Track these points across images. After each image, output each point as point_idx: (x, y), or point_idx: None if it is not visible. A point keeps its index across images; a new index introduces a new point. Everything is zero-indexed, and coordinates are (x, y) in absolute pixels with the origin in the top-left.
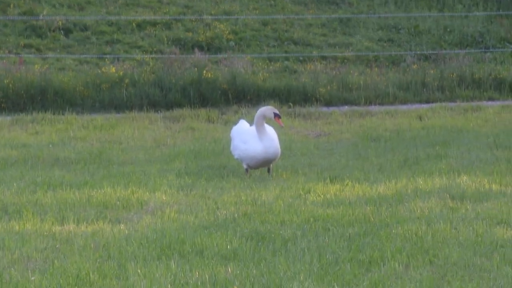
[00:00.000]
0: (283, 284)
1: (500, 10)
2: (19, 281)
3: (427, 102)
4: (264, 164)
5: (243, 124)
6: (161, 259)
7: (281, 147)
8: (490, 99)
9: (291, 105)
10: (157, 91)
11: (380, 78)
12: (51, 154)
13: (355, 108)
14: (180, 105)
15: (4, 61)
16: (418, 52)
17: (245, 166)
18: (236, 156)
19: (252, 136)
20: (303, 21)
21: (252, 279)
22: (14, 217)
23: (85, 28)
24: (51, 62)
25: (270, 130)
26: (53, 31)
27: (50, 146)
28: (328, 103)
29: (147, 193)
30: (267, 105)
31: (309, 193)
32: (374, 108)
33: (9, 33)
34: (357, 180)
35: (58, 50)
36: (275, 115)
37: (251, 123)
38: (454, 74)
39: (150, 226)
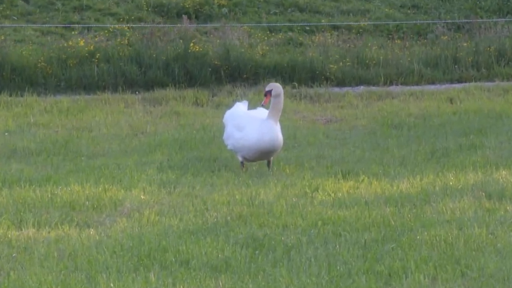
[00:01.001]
0: None
1: None
2: None
3: (459, 81)
4: (263, 156)
5: (238, 108)
6: (139, 271)
7: (283, 136)
8: None
9: (296, 85)
10: (135, 68)
11: (403, 52)
12: (7, 144)
13: (373, 88)
14: (162, 85)
15: None
16: (449, 21)
17: (240, 159)
18: (229, 147)
19: (249, 121)
20: None
21: None
22: None
23: None
24: (7, 33)
25: None
26: None
27: (6, 134)
28: (341, 83)
29: (122, 191)
30: (265, 85)
31: (317, 191)
32: (396, 89)
33: None
34: (375, 175)
35: (15, 18)
36: (267, 92)
37: (249, 106)
38: (492, 47)
39: (125, 231)
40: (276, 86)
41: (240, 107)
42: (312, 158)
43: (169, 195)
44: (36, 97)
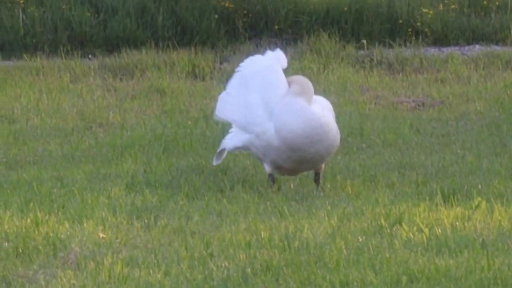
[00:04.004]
0: None
1: None
2: None
3: None
4: (303, 163)
5: (273, 60)
6: None
7: (343, 129)
8: None
9: (365, 43)
10: (88, 14)
11: None
12: None
13: (496, 49)
14: (134, 44)
15: None
16: None
17: (267, 169)
18: (235, 144)
19: (271, 94)
20: None
21: None
22: None
23: None
24: None
25: (317, 100)
26: None
27: None
28: (441, 40)
29: (67, 225)
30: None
31: (400, 224)
32: None
33: None
34: (499, 197)
35: None
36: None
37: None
38: None
39: None
40: (300, 82)
41: (273, 59)
42: (392, 169)
43: (146, 231)
44: None
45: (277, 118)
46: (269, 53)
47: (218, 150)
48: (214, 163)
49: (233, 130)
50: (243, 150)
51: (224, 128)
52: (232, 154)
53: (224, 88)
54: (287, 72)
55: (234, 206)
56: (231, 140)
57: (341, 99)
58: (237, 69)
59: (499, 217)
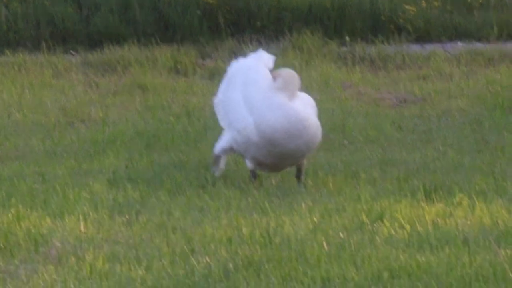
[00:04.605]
0: None
1: None
2: None
3: None
4: (284, 159)
5: (257, 60)
6: None
7: (325, 125)
8: None
9: (348, 39)
10: (71, 9)
11: None
12: None
13: (478, 46)
14: (117, 39)
15: None
16: None
17: (249, 165)
18: (222, 145)
19: (254, 89)
20: None
21: None
22: None
23: None
24: None
25: (299, 96)
26: None
27: None
28: (423, 37)
29: (48, 221)
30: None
31: (381, 221)
32: None
33: None
34: (480, 195)
35: None
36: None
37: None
38: None
39: None
40: (284, 76)
41: (261, 58)
42: (374, 165)
43: (128, 227)
44: None
45: (256, 113)
46: (252, 54)
47: (212, 160)
48: (216, 174)
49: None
50: (229, 152)
51: (206, 124)
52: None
53: (207, 84)
54: (270, 70)
55: (216, 202)
56: (218, 144)
57: (323, 95)
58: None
59: (481, 214)
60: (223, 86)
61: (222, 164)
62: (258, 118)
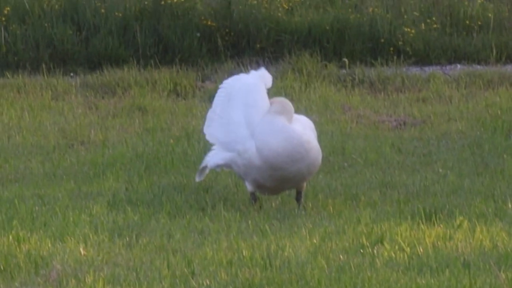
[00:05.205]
0: None
1: None
2: None
3: None
4: (284, 182)
5: (257, 78)
6: None
7: (324, 148)
8: None
9: (347, 62)
10: (70, 31)
11: None
12: None
13: (478, 69)
14: (116, 61)
15: None
16: None
17: (248, 187)
18: (217, 161)
19: (253, 112)
20: None
21: None
22: None
23: None
24: None
25: (299, 119)
26: None
27: None
28: (423, 59)
29: (49, 243)
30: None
31: (381, 243)
32: None
33: None
34: (481, 217)
35: None
36: None
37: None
38: None
39: None
40: (280, 102)
41: (260, 78)
42: (374, 188)
43: (128, 249)
44: None
45: (258, 137)
46: (253, 72)
47: (201, 167)
48: (197, 179)
49: (215, 147)
50: (225, 168)
51: (206, 146)
52: (214, 172)
53: (206, 107)
54: (270, 90)
55: (216, 225)
56: (213, 158)
57: (322, 118)
58: (221, 85)
59: (481, 237)
60: (219, 100)
61: (207, 172)
62: (259, 141)
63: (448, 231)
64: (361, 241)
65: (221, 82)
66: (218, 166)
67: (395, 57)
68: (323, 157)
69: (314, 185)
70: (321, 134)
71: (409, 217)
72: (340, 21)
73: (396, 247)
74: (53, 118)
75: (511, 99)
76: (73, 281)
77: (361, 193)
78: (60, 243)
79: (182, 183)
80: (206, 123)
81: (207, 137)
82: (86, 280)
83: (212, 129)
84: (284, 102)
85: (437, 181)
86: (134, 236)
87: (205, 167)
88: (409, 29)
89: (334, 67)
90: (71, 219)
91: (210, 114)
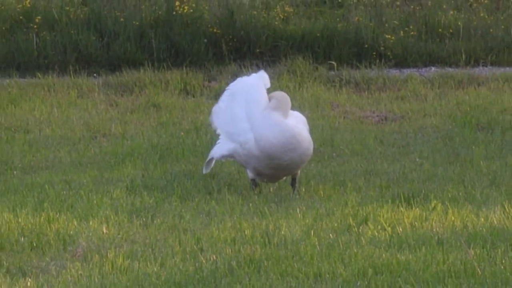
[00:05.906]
0: None
1: None
2: None
3: None
4: (280, 171)
5: (258, 79)
6: None
7: (315, 140)
8: None
9: (335, 64)
10: (93, 38)
11: (493, 17)
12: None
13: (449, 71)
14: (134, 64)
15: None
16: None
17: (249, 175)
18: (222, 152)
19: (252, 107)
20: None
21: None
22: None
23: None
24: None
25: (294, 114)
26: None
27: None
28: (401, 62)
29: (75, 223)
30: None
31: (366, 223)
32: (484, 72)
33: None
34: (452, 201)
35: None
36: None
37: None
38: None
39: (79, 283)
40: (278, 97)
41: (260, 79)
42: (359, 175)
43: (144, 228)
44: None
45: (256, 130)
46: (254, 74)
47: (207, 160)
48: (204, 171)
49: (220, 140)
50: (229, 158)
51: (213, 138)
52: (219, 161)
53: (213, 103)
54: (268, 90)
55: (221, 207)
56: (219, 149)
57: (314, 114)
58: (227, 87)
59: (453, 218)
60: (225, 97)
61: (213, 164)
62: (258, 134)
63: (424, 213)
64: (348, 221)
65: (225, 82)
66: (223, 156)
67: (377, 61)
68: (314, 148)
69: (307, 173)
70: (312, 128)
71: (390, 201)
72: (329, 29)
73: (379, 227)
74: (79, 113)
75: (478, 97)
76: (97, 256)
77: (348, 180)
78: (85, 223)
79: (192, 170)
80: (212, 115)
81: (213, 125)
82: (108, 256)
83: (218, 122)
84: (281, 97)
85: (414, 169)
86: (149, 217)
87: (211, 159)
88: (389, 36)
89: (324, 69)
90: (95, 202)
91: (215, 108)
